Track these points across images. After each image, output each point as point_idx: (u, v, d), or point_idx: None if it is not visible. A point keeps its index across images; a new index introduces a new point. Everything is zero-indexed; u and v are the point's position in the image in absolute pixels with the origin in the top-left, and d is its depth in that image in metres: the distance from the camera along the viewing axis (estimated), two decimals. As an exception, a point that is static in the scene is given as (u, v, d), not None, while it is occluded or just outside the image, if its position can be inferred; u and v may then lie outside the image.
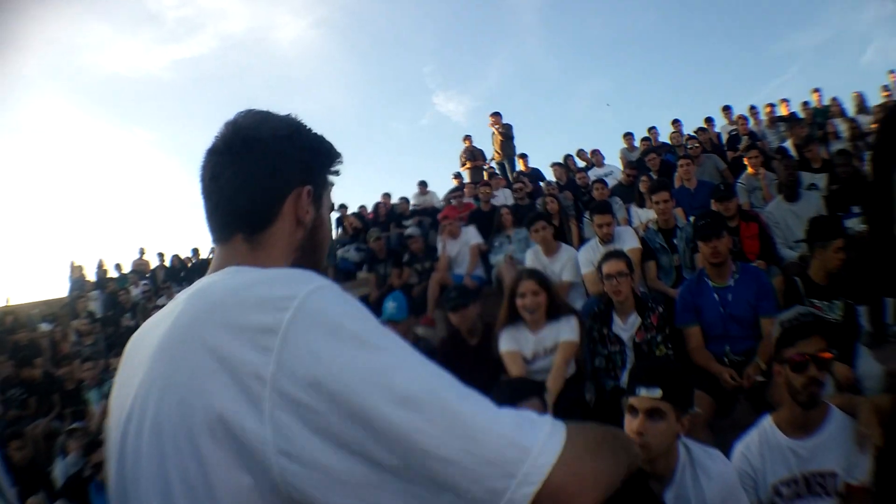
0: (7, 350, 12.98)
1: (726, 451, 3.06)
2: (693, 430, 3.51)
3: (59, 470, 6.84)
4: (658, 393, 2.64)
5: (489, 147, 14.09)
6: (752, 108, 13.40)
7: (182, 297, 1.07)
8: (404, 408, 0.82)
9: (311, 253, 1.25)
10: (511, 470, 0.83)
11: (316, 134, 1.29)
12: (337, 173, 1.32)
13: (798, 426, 3.01)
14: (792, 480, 2.98)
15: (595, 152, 12.60)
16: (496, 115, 14.03)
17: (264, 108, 1.26)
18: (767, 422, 3.13)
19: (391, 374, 0.85)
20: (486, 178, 12.99)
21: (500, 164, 13.79)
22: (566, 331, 4.88)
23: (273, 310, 0.88)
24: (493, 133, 14.00)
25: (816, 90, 13.33)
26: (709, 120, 12.88)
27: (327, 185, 1.31)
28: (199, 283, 1.08)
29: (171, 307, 1.09)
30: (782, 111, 13.06)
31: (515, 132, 13.97)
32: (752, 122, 12.94)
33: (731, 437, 3.28)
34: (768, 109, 12.99)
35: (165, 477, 0.90)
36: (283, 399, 0.83)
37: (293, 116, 1.27)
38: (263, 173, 1.18)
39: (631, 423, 2.66)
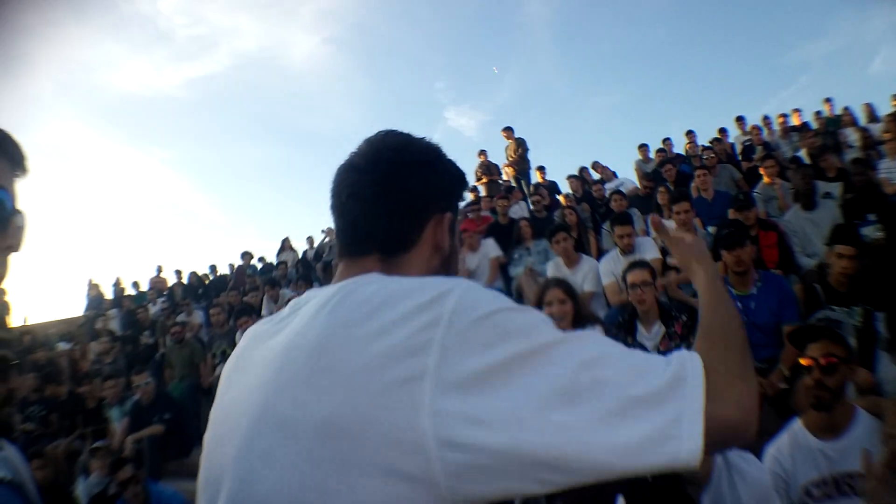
0: (27, 369, 13.07)
1: (759, 456, 3.13)
2: None
3: (82, 490, 6.81)
4: None
5: (503, 162, 14.20)
6: (766, 118, 13.51)
7: (314, 303, 1.05)
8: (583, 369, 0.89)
9: None
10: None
11: (452, 160, 1.30)
12: (464, 199, 1.33)
13: (826, 428, 3.07)
14: (822, 481, 3.03)
15: (604, 168, 12.74)
16: (508, 129, 14.13)
17: (404, 131, 1.28)
18: (797, 425, 3.19)
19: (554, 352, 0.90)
20: (503, 190, 12.96)
21: (516, 179, 13.84)
22: None
23: (432, 305, 0.91)
24: (507, 147, 14.08)
25: (828, 100, 13.44)
26: (722, 130, 12.94)
27: (458, 213, 1.32)
28: (331, 290, 1.05)
29: (294, 314, 1.09)
30: (795, 121, 13.14)
31: (529, 146, 14.03)
32: (765, 133, 13.03)
33: (756, 444, 3.30)
34: (781, 120, 13.06)
35: (302, 483, 0.88)
36: (447, 389, 0.85)
37: (432, 141, 1.29)
38: (408, 197, 1.18)
39: None
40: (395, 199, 1.18)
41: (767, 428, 3.36)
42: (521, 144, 13.92)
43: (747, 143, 12.18)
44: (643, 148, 13.13)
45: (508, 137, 14.08)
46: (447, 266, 1.24)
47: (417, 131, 1.29)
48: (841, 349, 3.08)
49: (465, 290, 0.94)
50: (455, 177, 1.29)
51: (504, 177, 14.23)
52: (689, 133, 12.72)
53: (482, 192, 13.70)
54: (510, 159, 13.96)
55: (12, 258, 1.15)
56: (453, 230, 1.26)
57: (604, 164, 12.86)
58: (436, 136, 1.31)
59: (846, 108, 12.74)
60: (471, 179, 14.61)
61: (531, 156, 14.05)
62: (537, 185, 12.48)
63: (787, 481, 3.11)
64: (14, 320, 17.38)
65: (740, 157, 11.65)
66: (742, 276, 5.05)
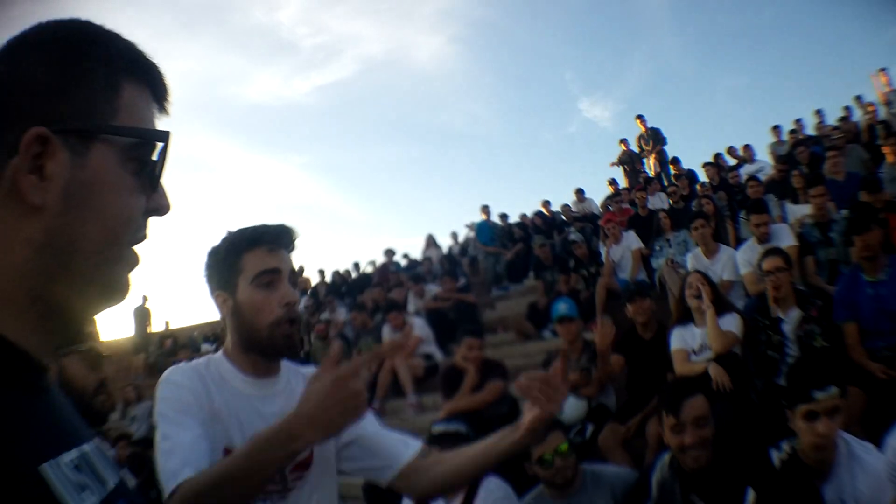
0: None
1: (879, 446, 3.04)
2: (847, 426, 3.42)
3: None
4: (835, 391, 2.81)
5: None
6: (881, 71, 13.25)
7: None
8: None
9: None
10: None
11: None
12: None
13: None
14: None
15: (746, 147, 12.64)
16: (641, 117, 14.32)
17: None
18: None
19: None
20: (641, 182, 13.13)
21: (658, 167, 13.96)
22: (728, 324, 5.22)
23: None
24: (638, 137, 14.30)
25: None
26: (847, 109, 12.74)
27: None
28: None
29: None
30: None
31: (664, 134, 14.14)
32: (883, 111, 12.69)
33: (885, 433, 3.12)
34: (884, 79, 13.00)
35: None
36: None
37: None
38: None
39: (814, 428, 2.79)
40: None
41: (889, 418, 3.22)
42: (657, 135, 14.03)
43: (869, 123, 11.87)
44: (776, 130, 13.14)
45: (642, 126, 14.24)
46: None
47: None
48: None
49: None
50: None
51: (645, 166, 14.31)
52: (818, 112, 12.72)
53: (622, 183, 13.95)
54: (647, 148, 14.11)
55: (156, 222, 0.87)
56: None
57: (743, 146, 12.84)
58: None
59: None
60: (609, 172, 15.17)
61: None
62: (675, 176, 12.59)
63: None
64: (155, 326, 18.39)
65: (865, 137, 11.38)
66: (871, 261, 5.05)
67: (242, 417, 1.79)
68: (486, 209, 14.36)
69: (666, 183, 12.75)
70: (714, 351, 5.13)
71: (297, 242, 1.92)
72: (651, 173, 14.07)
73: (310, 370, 1.94)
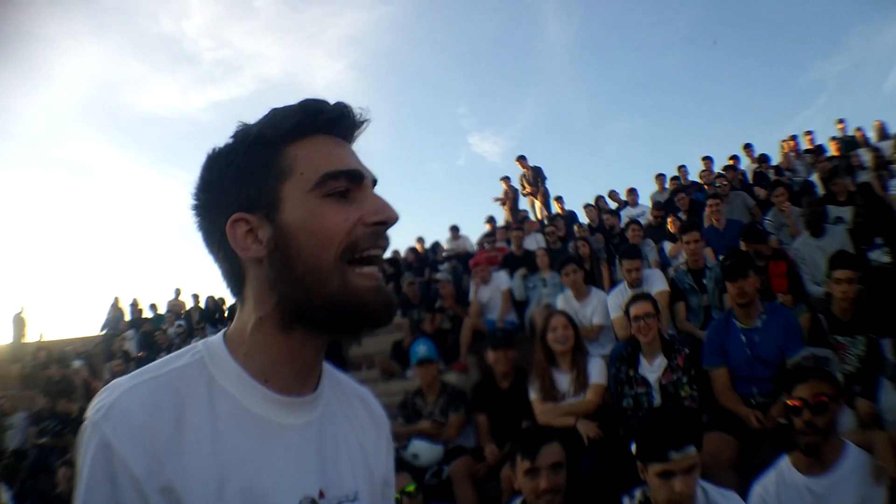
0: (40, 385, 13.20)
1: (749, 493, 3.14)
2: (718, 473, 3.58)
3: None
4: (693, 451, 2.66)
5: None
6: (784, 141, 13.59)
7: None
8: None
9: None
10: None
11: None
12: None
13: (814, 464, 3.03)
14: None
15: (631, 191, 12.62)
16: (522, 158, 14.15)
17: None
18: (785, 461, 3.17)
19: None
20: (521, 219, 13.07)
21: (542, 207, 13.84)
22: (595, 373, 5.11)
23: None
24: (521, 176, 14.12)
25: (841, 121, 13.54)
26: (735, 158, 12.88)
27: (275, 203, 1.08)
28: None
29: None
30: (807, 144, 13.21)
31: (547, 172, 14.03)
32: (778, 158, 13.05)
33: (743, 482, 3.34)
34: (792, 144, 13.22)
35: None
36: None
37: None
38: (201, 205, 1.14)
39: (670, 485, 2.64)
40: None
41: (768, 463, 3.37)
42: (538, 174, 13.92)
43: (758, 170, 12.12)
44: (660, 178, 13.14)
45: (523, 166, 14.11)
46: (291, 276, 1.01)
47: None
48: (830, 387, 3.05)
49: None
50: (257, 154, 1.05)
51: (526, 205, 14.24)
52: (706, 159, 12.68)
53: (500, 221, 13.77)
54: (527, 189, 13.97)
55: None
56: (280, 229, 1.02)
57: (627, 189, 12.84)
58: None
59: (859, 129, 12.81)
60: (490, 209, 15.02)
61: (550, 183, 14.09)
62: (553, 216, 12.52)
63: (773, 519, 3.06)
64: (30, 336, 18.08)
65: (753, 184, 11.51)
66: (746, 308, 4.98)
67: (274, 472, 1.03)
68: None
69: (545, 222, 12.64)
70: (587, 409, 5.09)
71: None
72: (536, 213, 13.96)
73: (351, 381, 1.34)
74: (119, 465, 0.91)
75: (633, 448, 2.82)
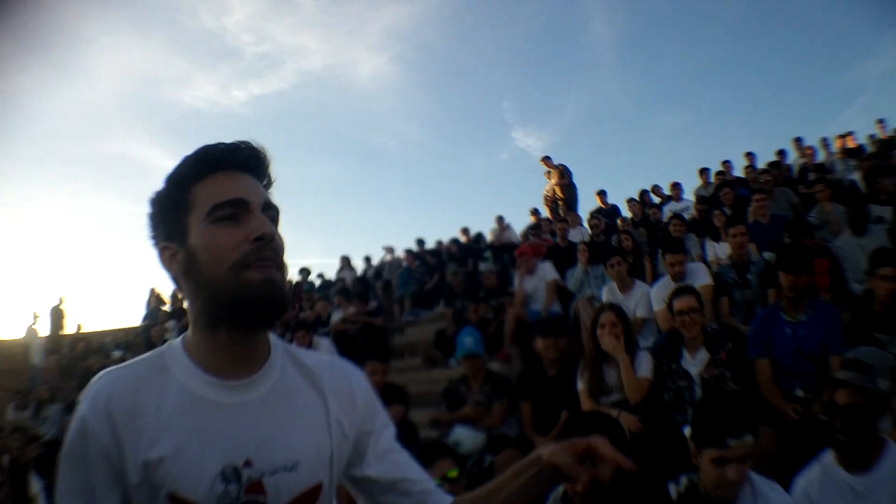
0: (78, 375, 13.44)
1: (788, 487, 3.14)
2: (758, 466, 3.64)
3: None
4: (750, 440, 2.71)
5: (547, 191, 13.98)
6: (824, 139, 13.45)
7: None
8: None
9: None
10: None
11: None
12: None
13: (856, 462, 3.02)
14: None
15: (675, 185, 12.50)
16: (547, 158, 13.86)
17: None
18: (828, 457, 3.14)
19: None
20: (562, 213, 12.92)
21: (566, 208, 13.38)
22: (642, 368, 5.08)
23: None
24: (549, 175, 13.86)
25: (881, 121, 13.50)
26: (781, 153, 12.79)
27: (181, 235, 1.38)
28: None
29: None
30: (849, 144, 13.07)
31: (591, 167, 14.02)
32: (822, 155, 12.97)
33: (786, 475, 3.32)
34: (839, 142, 13.06)
35: None
36: None
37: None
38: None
39: (723, 472, 2.68)
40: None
41: (807, 458, 3.35)
42: (565, 174, 13.60)
43: (804, 166, 12.05)
44: (704, 172, 12.99)
45: (549, 166, 13.84)
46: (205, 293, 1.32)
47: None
48: (865, 398, 2.99)
49: None
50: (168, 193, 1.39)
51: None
52: (749, 155, 12.62)
53: (544, 213, 13.76)
54: (554, 190, 13.66)
55: None
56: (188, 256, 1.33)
57: (671, 184, 12.72)
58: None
59: (897, 128, 12.61)
60: (533, 201, 14.91)
61: (581, 181, 13.80)
62: (596, 210, 12.44)
63: (814, 514, 3.08)
64: (68, 327, 18.53)
65: (797, 179, 11.46)
66: (795, 301, 4.98)
67: (202, 442, 1.28)
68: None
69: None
70: (632, 401, 5.03)
71: (270, 170, 1.41)
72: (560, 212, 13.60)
73: (318, 354, 1.59)
74: (91, 436, 1.23)
75: (688, 432, 2.88)
